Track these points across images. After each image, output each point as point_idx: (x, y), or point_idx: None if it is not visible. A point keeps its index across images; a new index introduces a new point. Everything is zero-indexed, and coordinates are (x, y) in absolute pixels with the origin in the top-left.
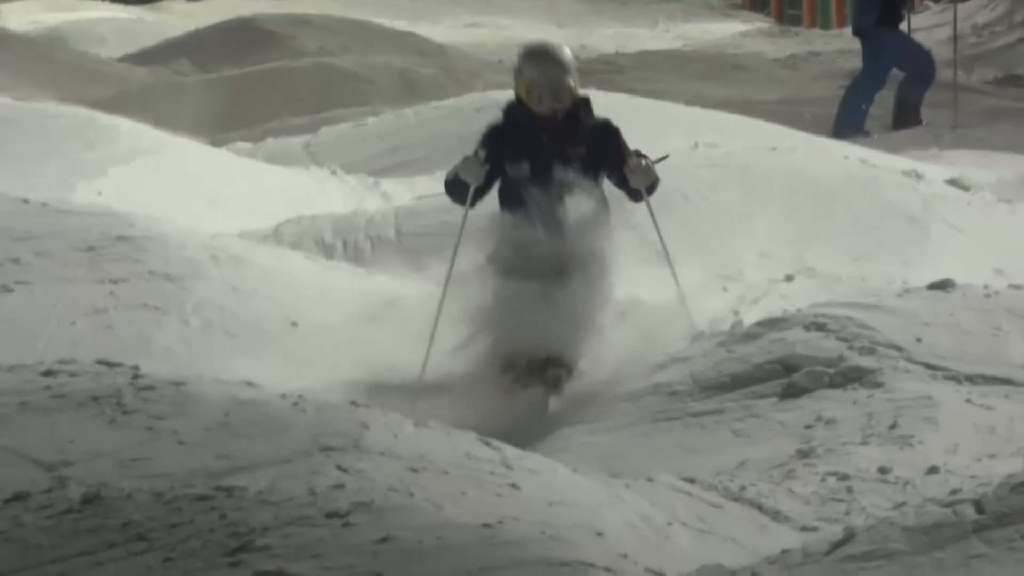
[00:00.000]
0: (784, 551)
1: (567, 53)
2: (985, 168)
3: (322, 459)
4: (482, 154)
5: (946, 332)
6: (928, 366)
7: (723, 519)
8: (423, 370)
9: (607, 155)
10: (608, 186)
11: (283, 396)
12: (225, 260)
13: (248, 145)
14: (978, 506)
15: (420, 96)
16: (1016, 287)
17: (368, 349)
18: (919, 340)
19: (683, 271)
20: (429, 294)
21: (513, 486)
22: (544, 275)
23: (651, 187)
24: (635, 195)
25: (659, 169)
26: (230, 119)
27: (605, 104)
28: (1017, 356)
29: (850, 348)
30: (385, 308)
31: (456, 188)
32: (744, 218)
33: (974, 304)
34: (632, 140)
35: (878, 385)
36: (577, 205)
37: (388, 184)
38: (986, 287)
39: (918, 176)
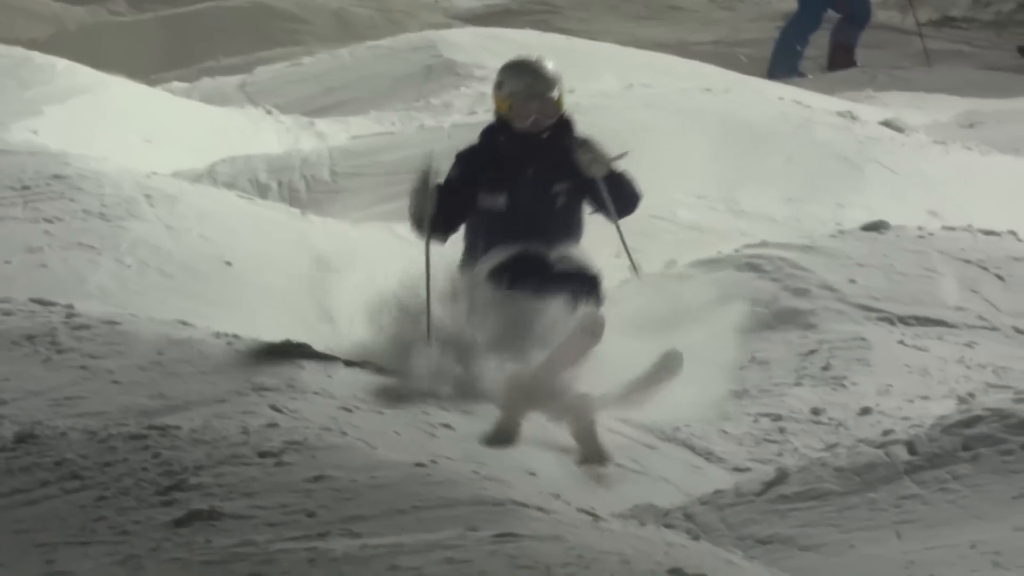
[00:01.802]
0: (717, 491)
1: (551, 65)
2: (920, 110)
3: (255, 399)
4: (435, 168)
5: (880, 273)
6: (862, 307)
7: (656, 459)
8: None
9: (589, 181)
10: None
11: (217, 336)
12: (160, 199)
13: (184, 85)
14: (910, 447)
15: (356, 36)
16: (950, 228)
17: (303, 289)
18: (853, 281)
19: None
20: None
21: (446, 426)
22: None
23: (621, 193)
24: (612, 213)
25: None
26: (166, 59)
27: (540, 45)
28: (950, 298)
29: (784, 289)
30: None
31: (420, 226)
32: (678, 159)
33: (908, 245)
34: (569, 79)
35: (811, 326)
36: (562, 254)
37: (323, 124)
38: (920, 228)
39: (852, 117)
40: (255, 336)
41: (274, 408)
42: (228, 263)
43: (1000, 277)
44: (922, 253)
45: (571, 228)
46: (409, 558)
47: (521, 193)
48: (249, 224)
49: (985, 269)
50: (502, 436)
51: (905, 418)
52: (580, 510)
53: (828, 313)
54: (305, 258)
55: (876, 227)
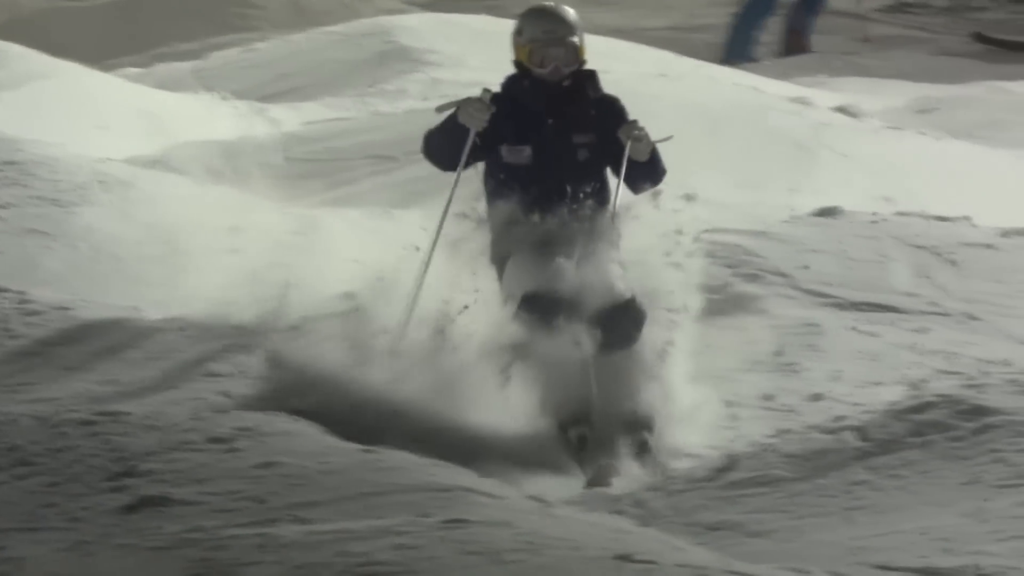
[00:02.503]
0: (667, 478)
1: (572, 12)
2: (873, 95)
3: (206, 385)
4: (487, 95)
5: (832, 259)
6: (814, 293)
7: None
8: (397, 339)
9: (612, 141)
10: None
11: (169, 322)
12: (113, 185)
13: (138, 71)
14: (861, 433)
15: (310, 22)
16: (903, 214)
17: (257, 274)
18: (805, 267)
19: None
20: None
21: (397, 411)
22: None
23: (649, 169)
24: (635, 184)
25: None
26: (120, 45)
27: (497, 30)
28: (902, 283)
29: (736, 275)
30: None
31: (445, 139)
32: None
33: (860, 231)
34: None
35: (764, 312)
36: (585, 213)
37: (276, 110)
38: (873, 214)
39: (806, 103)
40: (207, 323)
41: (225, 394)
42: (182, 248)
43: (952, 263)
44: (875, 239)
45: (596, 187)
46: (358, 544)
47: (544, 144)
48: (203, 209)
49: (938, 255)
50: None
51: (856, 404)
52: (530, 496)
53: (780, 299)
54: (260, 242)
55: (829, 213)
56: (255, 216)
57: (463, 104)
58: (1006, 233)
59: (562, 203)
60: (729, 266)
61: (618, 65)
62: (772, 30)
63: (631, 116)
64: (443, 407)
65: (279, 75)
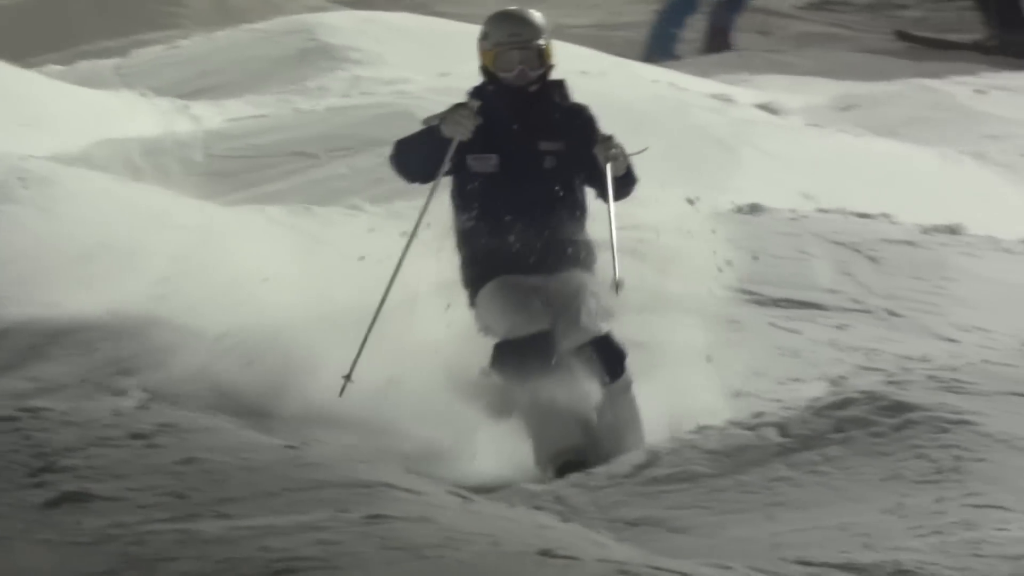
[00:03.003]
0: (587, 472)
1: (538, 15)
2: (795, 93)
3: (127, 381)
4: (475, 104)
5: (753, 255)
6: (735, 290)
7: (528, 443)
8: (351, 369)
9: (581, 150)
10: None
11: (90, 319)
12: (34, 182)
13: (60, 68)
14: (782, 429)
15: (233, 19)
16: (824, 211)
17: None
18: (727, 264)
19: None
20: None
21: (319, 407)
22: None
23: (624, 182)
24: (604, 194)
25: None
26: (43, 42)
27: (419, 28)
28: (823, 280)
29: (658, 272)
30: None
31: (421, 149)
32: None
33: (781, 228)
34: (443, 64)
35: (686, 310)
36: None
37: (198, 107)
38: (793, 211)
39: (728, 100)
40: (129, 320)
41: (145, 390)
42: (103, 245)
43: (873, 259)
44: (795, 236)
45: (564, 192)
46: (280, 540)
47: (510, 152)
48: (124, 207)
49: (858, 251)
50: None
51: (777, 400)
52: (450, 491)
53: (702, 296)
54: (178, 239)
55: (750, 210)
56: (177, 214)
57: (449, 113)
58: (926, 230)
59: (531, 212)
60: (651, 263)
61: None
62: (695, 27)
63: (595, 121)
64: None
65: (201, 72)
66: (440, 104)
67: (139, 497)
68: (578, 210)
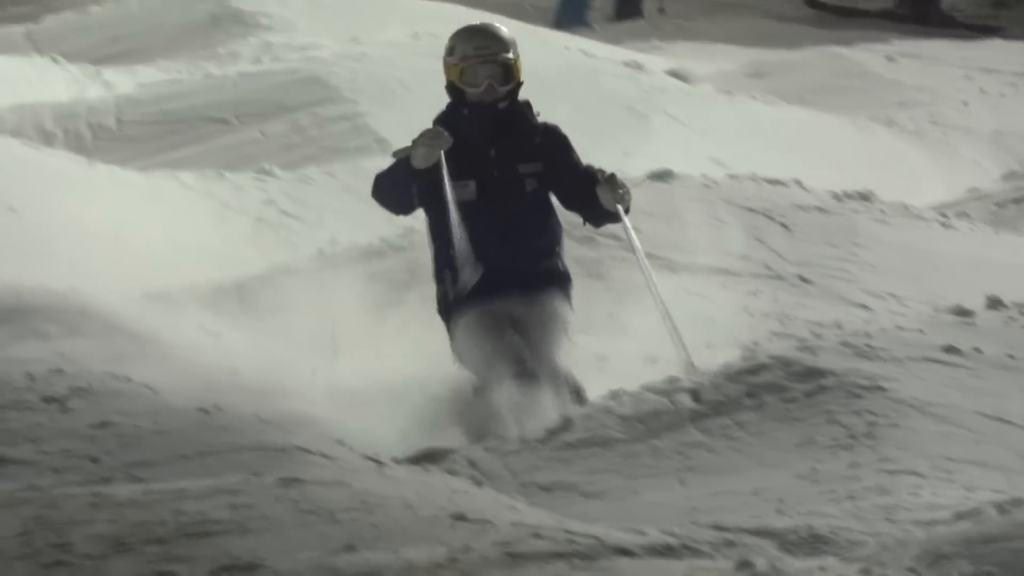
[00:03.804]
0: (500, 438)
1: (504, 29)
2: (705, 60)
3: (40, 345)
4: (435, 132)
5: (665, 222)
6: (647, 255)
7: (441, 407)
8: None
9: (560, 170)
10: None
11: (3, 283)
12: None
13: None
14: (695, 395)
15: None
16: (734, 177)
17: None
18: (637, 230)
19: None
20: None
21: (232, 371)
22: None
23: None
24: (596, 219)
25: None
26: None
27: None
28: (735, 246)
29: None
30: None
31: (395, 184)
32: None
33: (693, 194)
34: (354, 30)
35: (597, 275)
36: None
37: (110, 73)
38: (705, 177)
39: (638, 67)
40: (43, 284)
41: (59, 354)
42: (13, 210)
43: (785, 226)
44: (707, 202)
45: (545, 215)
46: (193, 503)
47: (488, 179)
48: (35, 172)
49: (770, 218)
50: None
51: (690, 366)
52: (364, 456)
53: (613, 262)
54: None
55: (661, 176)
56: (88, 178)
57: (416, 141)
58: (838, 197)
59: (514, 238)
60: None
61: (450, 29)
62: None
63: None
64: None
65: (112, 37)
66: (350, 71)
67: (53, 460)
68: (557, 232)
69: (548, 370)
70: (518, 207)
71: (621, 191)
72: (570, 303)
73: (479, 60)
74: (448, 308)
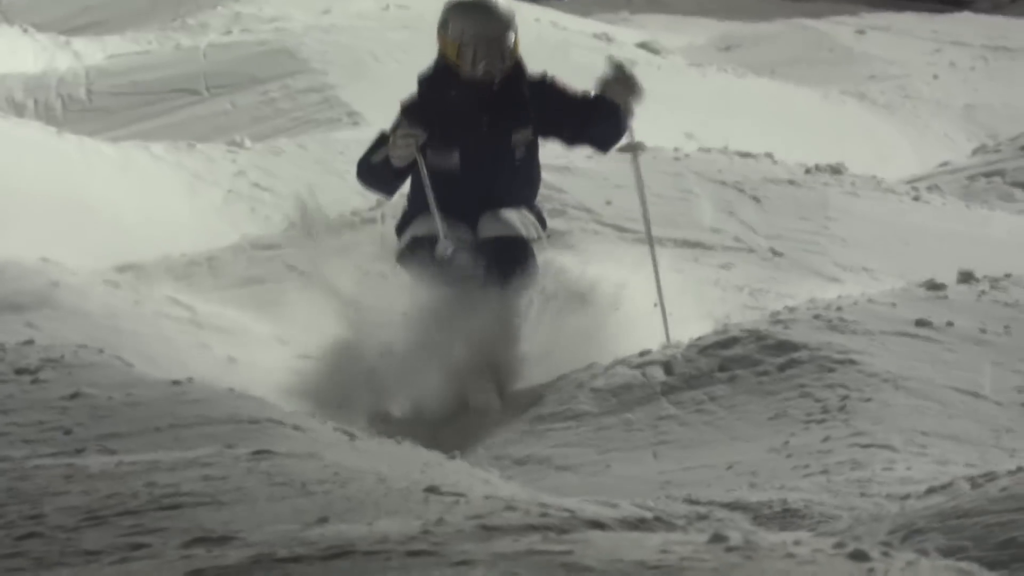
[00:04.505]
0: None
1: (505, 5)
2: (675, 32)
3: (11, 316)
4: (413, 128)
5: (636, 195)
6: (618, 228)
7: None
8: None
9: (556, 115)
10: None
11: None
12: None
13: None
14: (667, 368)
15: None
16: (705, 150)
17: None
18: (609, 203)
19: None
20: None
21: (202, 345)
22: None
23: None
24: (604, 142)
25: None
26: None
27: None
28: (707, 219)
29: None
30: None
31: (380, 175)
32: None
33: (664, 167)
34: (324, 2)
35: (568, 247)
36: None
37: (79, 43)
38: (676, 150)
39: (608, 39)
40: (14, 257)
41: (30, 325)
42: None
43: (756, 199)
44: (678, 175)
45: (530, 182)
46: (166, 475)
47: (475, 148)
48: (5, 142)
49: (741, 191)
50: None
51: (662, 339)
52: (336, 428)
53: (585, 234)
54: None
55: (632, 149)
56: (59, 148)
57: (391, 142)
58: (809, 170)
59: (491, 202)
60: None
61: (419, 1)
62: None
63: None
64: None
65: (82, 8)
66: (320, 43)
67: (25, 432)
68: (534, 188)
69: (492, 223)
70: (503, 176)
71: (626, 78)
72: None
73: (477, 41)
74: (405, 222)
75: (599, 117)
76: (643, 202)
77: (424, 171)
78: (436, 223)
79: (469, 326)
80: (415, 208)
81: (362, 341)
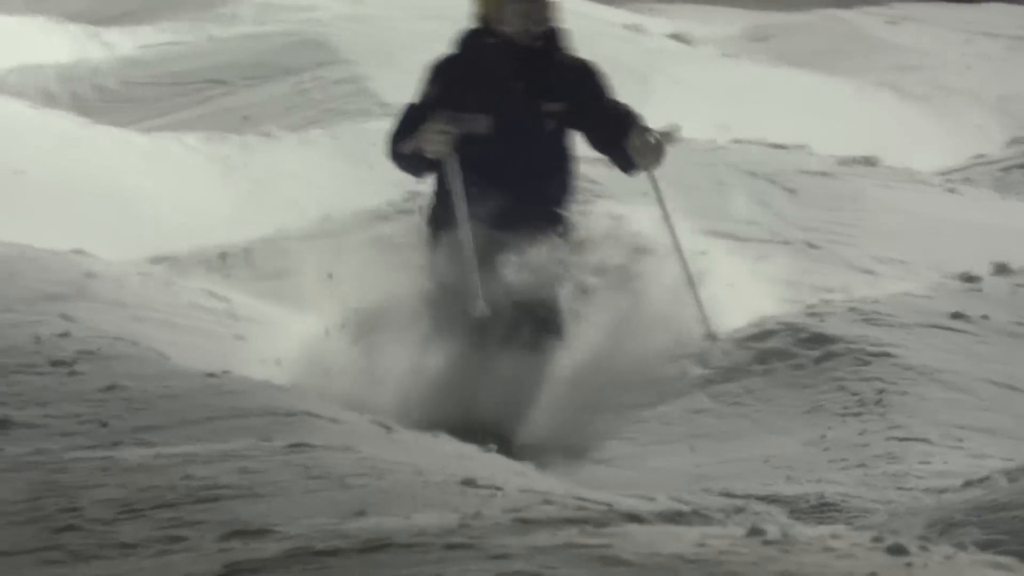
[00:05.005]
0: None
1: None
2: (706, 23)
3: (47, 307)
4: (447, 120)
5: (669, 186)
6: (650, 220)
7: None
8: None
9: (588, 110)
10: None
11: (6, 244)
12: None
13: None
14: (703, 361)
15: None
16: (739, 142)
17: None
18: (642, 194)
19: None
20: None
21: (239, 337)
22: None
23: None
24: (626, 166)
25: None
26: None
27: None
28: (741, 211)
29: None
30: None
31: (408, 161)
32: None
33: (698, 159)
34: None
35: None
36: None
37: (111, 34)
38: (710, 141)
39: (639, 30)
40: (50, 247)
41: (65, 317)
42: (18, 172)
43: (790, 191)
44: (712, 166)
45: (561, 161)
46: (202, 468)
47: (508, 113)
48: (39, 134)
49: (775, 183)
50: None
51: (698, 332)
52: (373, 421)
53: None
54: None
55: (665, 139)
56: (92, 139)
57: (424, 138)
58: (843, 162)
59: (524, 181)
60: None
61: None
62: None
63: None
64: None
65: None
66: (352, 33)
67: (61, 424)
68: (570, 182)
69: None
70: (534, 147)
71: (653, 145)
72: (568, 248)
73: None
74: (439, 215)
75: (618, 153)
76: (666, 216)
77: (457, 181)
78: (471, 276)
79: (487, 387)
80: (443, 209)
81: (385, 342)
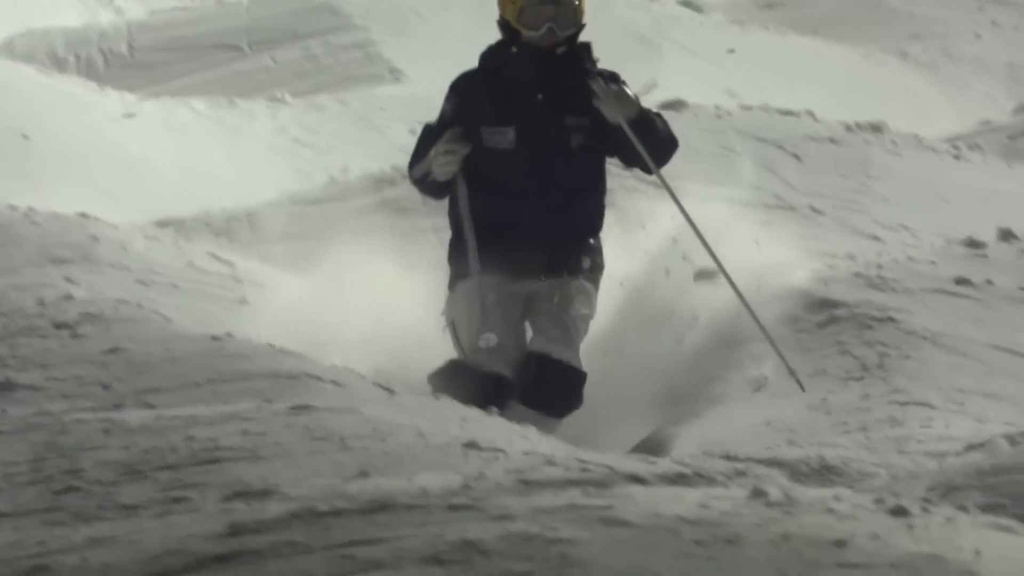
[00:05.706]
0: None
1: None
2: None
3: (51, 271)
4: (453, 138)
5: (677, 152)
6: (659, 185)
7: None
8: None
9: (613, 126)
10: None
11: (13, 208)
12: None
13: None
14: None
15: None
16: (746, 108)
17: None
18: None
19: (413, 90)
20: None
21: (242, 300)
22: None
23: (642, 125)
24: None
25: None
26: None
27: None
28: (746, 176)
29: None
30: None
31: (426, 184)
32: (476, 37)
33: (705, 124)
34: None
35: (609, 204)
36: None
37: None
38: (717, 107)
39: None
40: (56, 210)
41: (69, 280)
42: (25, 136)
43: (797, 157)
44: (719, 132)
45: (590, 180)
46: (205, 429)
47: (531, 126)
48: (47, 98)
49: (782, 148)
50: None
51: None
52: (375, 384)
53: (625, 192)
54: (102, 131)
55: (673, 106)
56: (100, 104)
57: (431, 159)
58: (850, 128)
59: (550, 200)
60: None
61: None
62: None
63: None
64: None
65: None
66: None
67: (64, 386)
68: (598, 206)
69: (544, 341)
70: (560, 163)
71: (614, 93)
72: (595, 291)
73: (542, 0)
74: (457, 259)
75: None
76: (688, 218)
77: (465, 203)
78: (476, 309)
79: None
80: (459, 240)
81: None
